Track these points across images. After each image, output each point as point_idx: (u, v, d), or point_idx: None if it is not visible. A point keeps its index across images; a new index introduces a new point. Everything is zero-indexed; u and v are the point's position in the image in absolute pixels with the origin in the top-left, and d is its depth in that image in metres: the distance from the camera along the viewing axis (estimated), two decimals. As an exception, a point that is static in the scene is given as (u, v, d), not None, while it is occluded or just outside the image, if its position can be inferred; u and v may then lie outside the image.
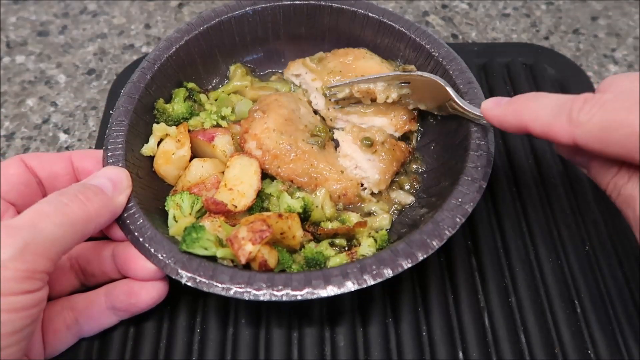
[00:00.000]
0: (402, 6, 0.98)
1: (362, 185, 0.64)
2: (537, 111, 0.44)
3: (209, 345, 0.57)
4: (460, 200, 0.54)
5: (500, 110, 0.49)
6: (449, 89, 0.60)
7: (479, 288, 0.61)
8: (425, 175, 0.67)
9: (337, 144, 0.67)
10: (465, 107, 0.58)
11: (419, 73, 0.63)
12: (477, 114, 0.56)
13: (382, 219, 0.61)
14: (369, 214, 0.63)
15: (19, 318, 0.42)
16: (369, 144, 0.63)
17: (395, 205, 0.64)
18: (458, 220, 0.52)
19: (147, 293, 0.54)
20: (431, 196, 0.63)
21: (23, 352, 0.43)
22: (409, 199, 0.64)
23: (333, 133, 0.67)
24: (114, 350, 0.56)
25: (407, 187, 0.66)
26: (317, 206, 0.59)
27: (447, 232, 0.52)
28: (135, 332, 0.58)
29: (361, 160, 0.63)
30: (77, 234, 0.47)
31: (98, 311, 0.54)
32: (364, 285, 0.49)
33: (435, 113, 0.66)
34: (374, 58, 0.70)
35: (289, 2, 0.72)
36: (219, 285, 0.49)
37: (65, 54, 0.90)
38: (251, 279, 0.49)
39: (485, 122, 0.55)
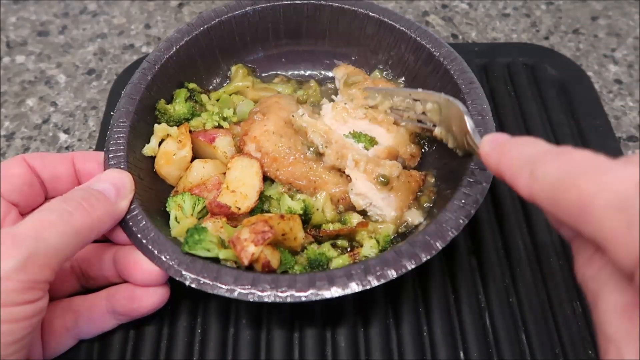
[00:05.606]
0: (402, 6, 0.97)
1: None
2: (512, 159, 0.40)
3: (210, 346, 0.57)
4: (463, 201, 0.54)
5: (493, 156, 0.43)
6: (467, 119, 0.50)
7: (479, 288, 0.61)
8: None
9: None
10: (475, 142, 0.49)
11: (445, 97, 0.55)
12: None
13: (386, 228, 0.60)
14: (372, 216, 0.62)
15: (20, 328, 0.41)
16: (385, 182, 0.59)
17: (404, 226, 0.61)
18: (461, 221, 0.52)
19: (148, 298, 0.53)
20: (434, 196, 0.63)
21: (25, 357, 0.43)
22: (417, 220, 0.61)
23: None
24: (114, 351, 0.56)
25: (425, 205, 0.63)
26: (317, 209, 0.59)
27: (450, 233, 0.52)
28: (136, 332, 0.58)
29: (377, 199, 0.60)
30: (80, 242, 0.46)
31: (98, 314, 0.54)
32: (368, 287, 0.49)
33: (455, 150, 0.57)
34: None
35: (289, 2, 0.72)
36: (223, 286, 0.49)
37: (65, 54, 0.90)
38: (255, 281, 0.49)
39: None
